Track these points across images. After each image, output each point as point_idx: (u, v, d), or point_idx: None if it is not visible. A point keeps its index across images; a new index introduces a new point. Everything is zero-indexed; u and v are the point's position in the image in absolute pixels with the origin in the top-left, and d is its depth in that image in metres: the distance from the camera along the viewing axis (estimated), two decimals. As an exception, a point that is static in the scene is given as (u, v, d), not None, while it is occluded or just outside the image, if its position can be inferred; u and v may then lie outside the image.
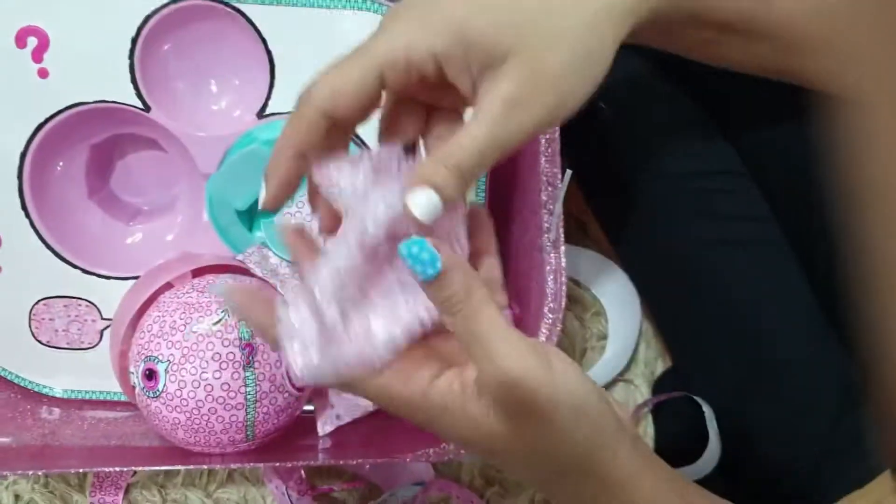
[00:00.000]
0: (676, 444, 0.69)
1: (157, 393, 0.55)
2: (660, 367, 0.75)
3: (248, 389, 0.55)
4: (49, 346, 0.65)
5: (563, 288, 0.55)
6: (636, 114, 0.64)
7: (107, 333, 0.65)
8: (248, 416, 0.56)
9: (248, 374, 0.55)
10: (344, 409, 0.64)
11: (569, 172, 0.52)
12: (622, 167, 0.64)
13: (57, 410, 0.67)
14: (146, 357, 0.56)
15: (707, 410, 0.64)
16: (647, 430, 0.73)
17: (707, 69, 0.52)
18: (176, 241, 0.65)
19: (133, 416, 0.66)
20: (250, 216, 0.63)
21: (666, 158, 0.62)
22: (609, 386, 0.75)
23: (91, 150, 0.64)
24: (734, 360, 0.61)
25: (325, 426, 0.64)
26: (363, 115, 0.38)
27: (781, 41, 0.47)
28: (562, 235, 0.55)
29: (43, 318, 0.64)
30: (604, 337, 0.76)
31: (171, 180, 0.67)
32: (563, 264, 0.55)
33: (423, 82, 0.38)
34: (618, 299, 0.75)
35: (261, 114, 0.60)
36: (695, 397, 0.65)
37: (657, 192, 0.62)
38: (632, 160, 0.63)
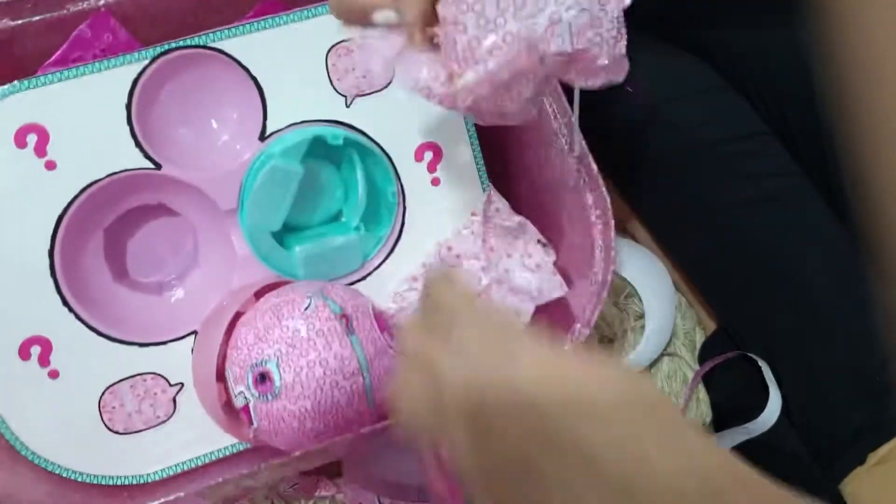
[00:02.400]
0: (734, 404, 0.72)
1: (277, 391, 0.56)
2: (699, 335, 0.79)
3: (358, 354, 0.57)
4: (128, 434, 0.64)
5: (611, 214, 0.60)
6: (659, 90, 0.68)
7: (179, 399, 0.65)
8: (366, 382, 0.58)
9: (353, 339, 0.57)
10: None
11: (577, 92, 0.56)
12: (650, 144, 0.68)
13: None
14: (251, 365, 0.57)
15: (763, 364, 0.67)
16: (700, 395, 0.76)
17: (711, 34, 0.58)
18: (216, 286, 0.67)
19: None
20: (282, 235, 0.67)
21: (691, 129, 0.67)
22: (655, 361, 0.77)
23: (105, 235, 0.66)
24: (786, 309, 0.65)
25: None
26: None
27: None
28: (587, 149, 0.60)
29: (113, 408, 0.64)
30: (640, 316, 0.78)
31: (182, 241, 0.69)
32: (606, 196, 0.60)
33: None
34: (647, 277, 0.77)
35: (262, 136, 0.65)
36: (749, 354, 0.69)
37: (686, 162, 0.67)
38: (659, 135, 0.68)
